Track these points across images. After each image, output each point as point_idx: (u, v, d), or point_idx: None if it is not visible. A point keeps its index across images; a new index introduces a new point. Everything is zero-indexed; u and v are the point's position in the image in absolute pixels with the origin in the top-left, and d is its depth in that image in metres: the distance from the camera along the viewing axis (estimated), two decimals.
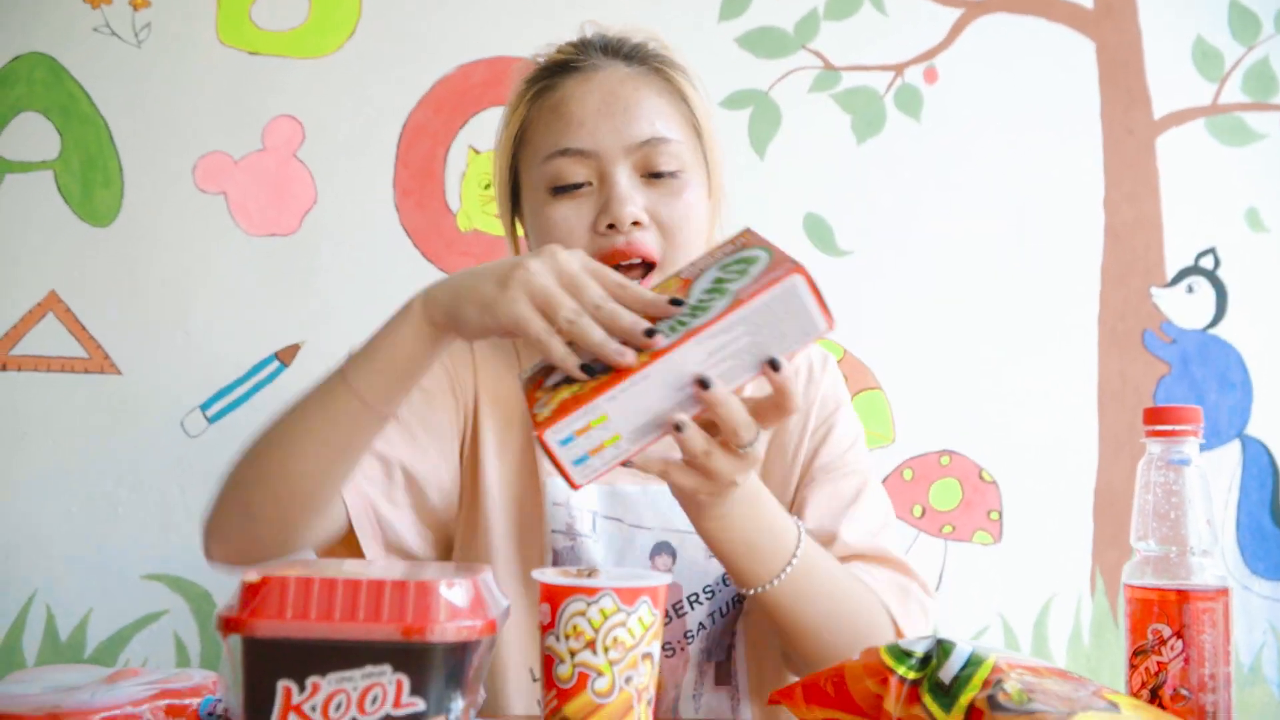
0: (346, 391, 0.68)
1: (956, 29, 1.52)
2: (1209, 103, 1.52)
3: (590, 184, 0.81)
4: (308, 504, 0.73)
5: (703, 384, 0.59)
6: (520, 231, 0.90)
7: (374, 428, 0.71)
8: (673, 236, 0.80)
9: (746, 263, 0.61)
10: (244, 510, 0.73)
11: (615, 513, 0.85)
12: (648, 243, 0.79)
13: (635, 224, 0.79)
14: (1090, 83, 1.52)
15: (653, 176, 0.81)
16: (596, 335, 0.60)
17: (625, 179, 0.80)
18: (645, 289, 0.64)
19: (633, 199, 0.79)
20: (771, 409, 0.63)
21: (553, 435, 0.57)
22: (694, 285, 0.63)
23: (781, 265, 0.58)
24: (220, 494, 0.75)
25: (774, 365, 0.60)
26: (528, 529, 0.85)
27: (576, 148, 0.80)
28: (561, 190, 0.81)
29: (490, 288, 0.63)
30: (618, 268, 0.78)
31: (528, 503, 0.86)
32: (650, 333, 0.59)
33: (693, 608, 0.85)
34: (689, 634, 0.85)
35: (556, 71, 0.85)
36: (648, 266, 0.81)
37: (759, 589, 0.73)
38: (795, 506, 0.87)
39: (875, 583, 0.80)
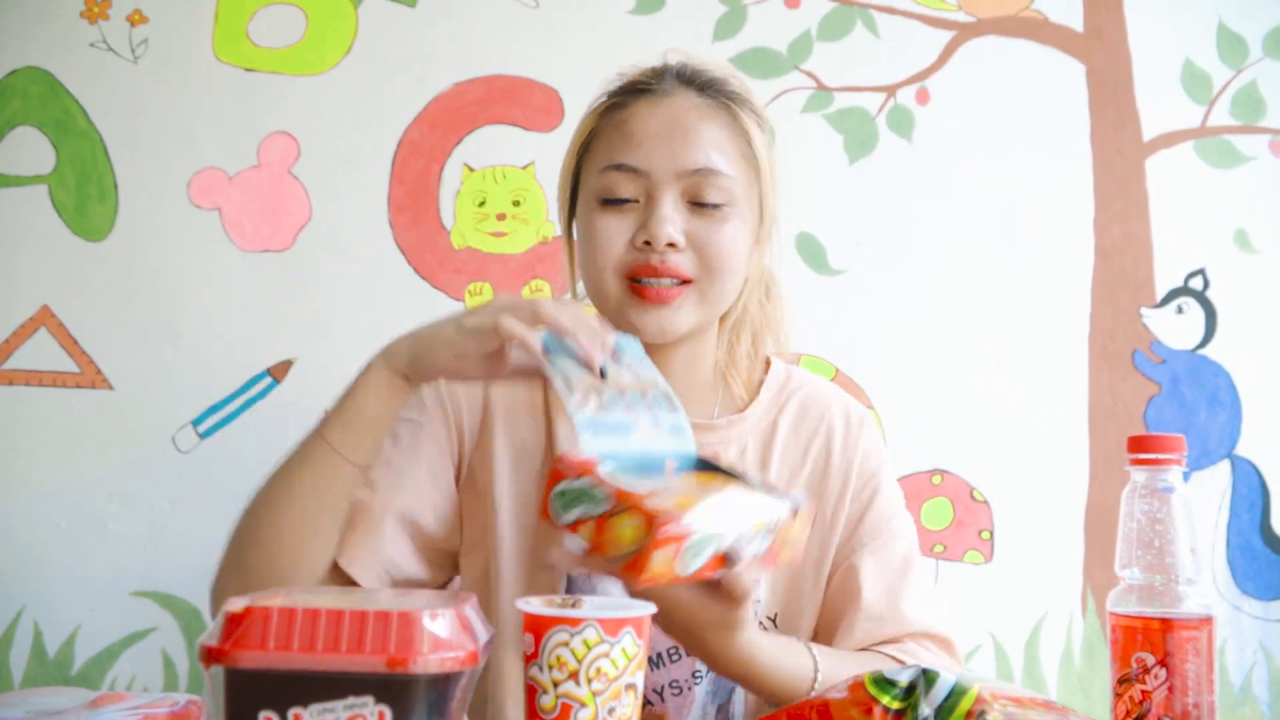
0: (323, 447, 0.75)
1: (948, 51, 1.53)
2: (1198, 125, 1.53)
3: (638, 201, 0.84)
4: (297, 558, 0.77)
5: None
6: (574, 235, 0.93)
7: (352, 478, 0.76)
8: (709, 262, 0.83)
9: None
10: (240, 569, 0.77)
11: None
12: (682, 264, 0.82)
13: (671, 245, 0.82)
14: (1080, 105, 1.53)
15: (699, 205, 0.83)
16: (567, 319, 0.67)
17: (670, 202, 0.82)
18: (600, 328, 0.70)
19: (672, 220, 0.82)
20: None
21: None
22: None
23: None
24: (223, 558, 0.79)
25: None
26: (540, 559, 0.87)
27: (630, 165, 0.83)
28: (610, 203, 0.84)
29: (451, 326, 0.71)
30: (653, 283, 0.83)
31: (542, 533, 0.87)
32: (603, 372, 0.66)
33: None
34: (697, 674, 0.85)
35: (630, 92, 0.88)
36: (683, 283, 0.83)
37: None
38: (846, 572, 0.88)
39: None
